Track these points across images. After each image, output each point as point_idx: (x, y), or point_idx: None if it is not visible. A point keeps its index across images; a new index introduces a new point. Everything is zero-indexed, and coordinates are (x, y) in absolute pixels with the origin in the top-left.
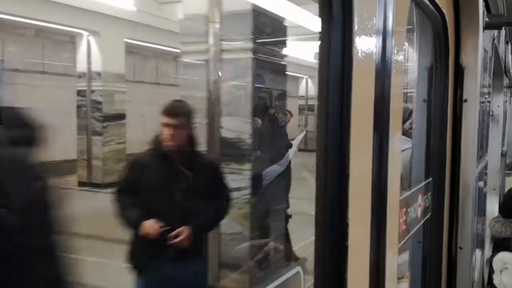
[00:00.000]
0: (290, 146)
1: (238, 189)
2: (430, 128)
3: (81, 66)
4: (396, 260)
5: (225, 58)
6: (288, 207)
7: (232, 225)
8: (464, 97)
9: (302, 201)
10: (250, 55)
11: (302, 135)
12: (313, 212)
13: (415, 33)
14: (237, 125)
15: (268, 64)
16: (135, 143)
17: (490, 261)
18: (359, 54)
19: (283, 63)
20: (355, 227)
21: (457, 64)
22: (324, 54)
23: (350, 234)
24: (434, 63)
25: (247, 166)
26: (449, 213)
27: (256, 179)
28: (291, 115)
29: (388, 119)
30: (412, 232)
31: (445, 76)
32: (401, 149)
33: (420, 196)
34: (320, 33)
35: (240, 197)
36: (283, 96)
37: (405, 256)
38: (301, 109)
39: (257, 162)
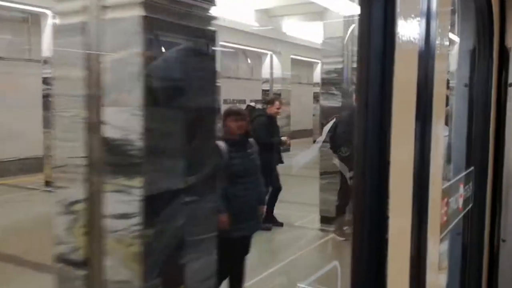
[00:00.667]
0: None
1: (124, 216)
2: (472, 114)
3: None
4: (438, 252)
5: (109, 18)
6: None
7: (117, 268)
8: (509, 81)
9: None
10: (140, 12)
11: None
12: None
13: (456, 14)
14: (122, 120)
15: (178, 28)
16: None
17: None
18: (402, 37)
19: (209, 28)
20: (395, 219)
21: (502, 46)
22: (364, 36)
23: (390, 226)
24: (477, 45)
25: (137, 181)
26: (491, 204)
27: (153, 201)
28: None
29: (431, 104)
30: (453, 224)
31: (488, 59)
32: None
33: (461, 186)
34: (359, 14)
35: (128, 228)
36: (210, 78)
37: (443, 246)
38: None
39: (157, 174)
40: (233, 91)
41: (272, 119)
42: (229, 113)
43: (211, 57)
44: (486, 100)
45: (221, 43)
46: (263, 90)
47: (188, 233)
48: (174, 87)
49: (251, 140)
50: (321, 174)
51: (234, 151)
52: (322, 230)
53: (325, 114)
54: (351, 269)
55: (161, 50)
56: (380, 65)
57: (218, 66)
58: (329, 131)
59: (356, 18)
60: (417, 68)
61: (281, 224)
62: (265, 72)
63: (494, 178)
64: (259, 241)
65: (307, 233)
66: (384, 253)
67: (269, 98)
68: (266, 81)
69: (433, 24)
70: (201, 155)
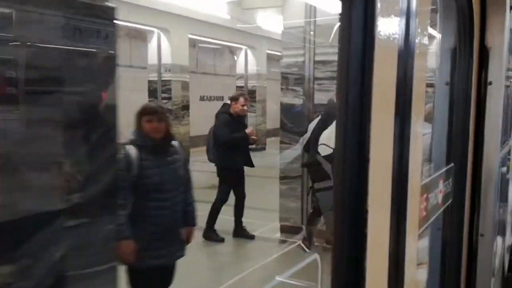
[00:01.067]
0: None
1: None
2: (453, 111)
3: None
4: (416, 247)
5: None
6: None
7: None
8: (488, 80)
9: None
10: None
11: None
12: None
13: (438, 13)
14: None
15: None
16: None
17: (511, 249)
18: (382, 35)
19: (104, 4)
20: (374, 214)
21: (482, 45)
22: (345, 34)
23: (369, 220)
24: (457, 44)
25: None
26: (470, 200)
27: (10, 228)
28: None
29: (410, 102)
30: (432, 219)
31: (469, 58)
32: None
33: (441, 182)
34: (340, 13)
35: None
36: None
37: (423, 242)
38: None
39: (17, 194)
40: (212, 88)
41: (238, 117)
42: (144, 112)
43: (108, 40)
44: (467, 98)
45: (194, 37)
46: (237, 87)
47: (73, 267)
48: (46, 78)
49: (175, 144)
50: (282, 178)
51: (149, 159)
52: (282, 241)
53: (285, 112)
54: (331, 263)
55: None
56: (360, 64)
57: (192, 61)
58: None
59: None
60: (396, 67)
61: (252, 237)
62: (240, 68)
63: (473, 175)
64: (203, 258)
65: (262, 246)
66: (363, 247)
67: (233, 94)
68: (240, 77)
69: (413, 23)
70: (92, 166)
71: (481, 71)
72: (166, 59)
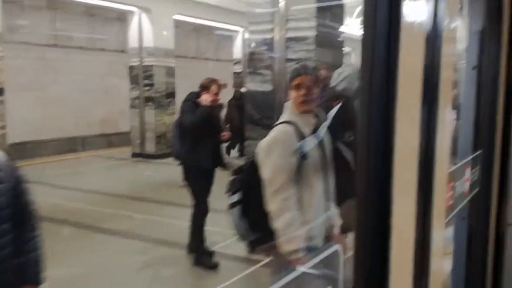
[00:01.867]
0: None
1: None
2: (480, 97)
3: None
4: (442, 237)
5: None
6: None
7: None
8: None
9: None
10: None
11: None
12: None
13: None
14: None
15: None
16: None
17: None
18: (407, 19)
19: None
20: (399, 204)
21: (511, 26)
22: (369, 18)
23: (394, 210)
24: (486, 26)
25: None
26: (498, 188)
27: None
28: None
29: (437, 89)
30: (459, 208)
31: (498, 40)
32: None
33: (468, 169)
34: None
35: None
36: None
37: (448, 232)
38: (237, 81)
39: None
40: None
41: (212, 109)
42: None
43: None
44: (495, 82)
45: (179, 18)
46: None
47: None
48: None
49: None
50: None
51: None
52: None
53: (252, 101)
54: (353, 253)
55: None
56: (385, 48)
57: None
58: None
59: None
60: (423, 52)
61: (214, 266)
62: (237, 52)
63: (502, 162)
64: None
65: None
66: (388, 235)
67: (203, 81)
68: (238, 62)
69: (441, 5)
70: None
71: (510, 54)
72: (149, 41)
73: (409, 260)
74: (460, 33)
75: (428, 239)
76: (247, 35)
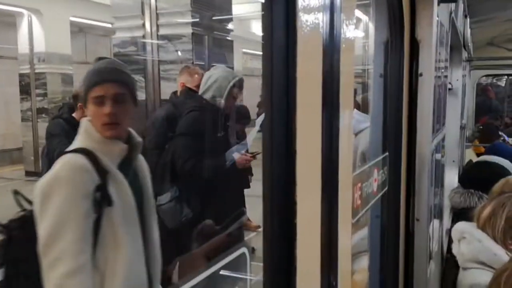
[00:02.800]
0: None
1: None
2: (387, 103)
3: None
4: (350, 235)
5: None
6: None
7: None
8: (419, 71)
9: None
10: None
11: None
12: None
13: (371, 7)
14: None
15: None
16: None
17: (449, 232)
18: (304, 31)
19: None
20: (303, 205)
21: (413, 38)
22: (267, 31)
23: (298, 211)
24: (389, 37)
25: None
26: (405, 186)
27: None
28: None
29: (338, 95)
30: (368, 207)
31: (400, 51)
32: (362, 128)
33: (376, 170)
34: (263, 8)
35: None
36: None
37: (364, 232)
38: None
39: None
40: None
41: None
42: None
43: None
44: (399, 89)
45: None
46: (20, 75)
47: None
48: None
49: None
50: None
51: None
52: None
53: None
54: (263, 255)
55: None
56: (283, 59)
57: None
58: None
59: None
60: (321, 61)
61: None
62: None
63: (408, 162)
64: None
65: None
66: (293, 236)
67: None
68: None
69: (338, 17)
70: None
71: (412, 63)
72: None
73: (316, 261)
74: (368, 43)
75: (335, 240)
76: (37, 20)
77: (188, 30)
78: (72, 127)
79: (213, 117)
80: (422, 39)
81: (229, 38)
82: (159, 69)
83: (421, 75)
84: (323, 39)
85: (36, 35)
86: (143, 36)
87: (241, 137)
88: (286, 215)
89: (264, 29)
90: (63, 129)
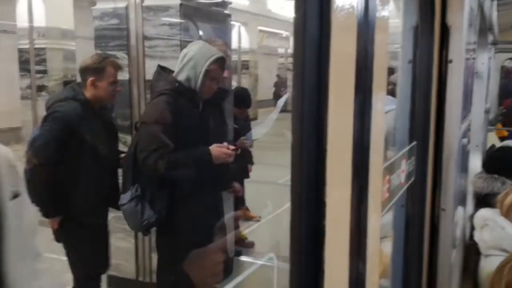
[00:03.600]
0: None
1: None
2: (415, 90)
3: None
4: (378, 233)
5: None
6: None
7: None
8: (449, 58)
9: None
10: None
11: None
12: None
13: None
14: None
15: None
16: None
17: (471, 218)
18: (339, 11)
19: None
20: (333, 205)
21: (443, 23)
22: (300, 11)
23: (328, 212)
24: (419, 22)
25: None
26: (432, 176)
27: None
28: None
29: (371, 77)
30: (395, 199)
31: (430, 36)
32: (386, 110)
33: (404, 161)
34: None
35: None
36: None
37: (389, 217)
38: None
39: None
40: None
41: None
42: None
43: None
44: (428, 76)
45: None
46: None
47: None
48: None
49: None
50: None
51: None
52: None
53: None
54: (289, 255)
55: None
56: (316, 40)
57: None
58: None
59: None
60: (356, 42)
61: None
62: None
63: (435, 152)
64: None
65: None
66: (322, 236)
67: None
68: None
69: None
70: None
71: (442, 49)
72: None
73: (346, 245)
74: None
75: (364, 235)
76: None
77: (176, 1)
78: (86, 110)
79: (187, 102)
80: (452, 24)
81: (226, 12)
82: (143, 46)
83: (451, 61)
84: (358, 20)
85: (36, 7)
86: (126, 8)
87: (244, 124)
88: (315, 216)
89: (296, 8)
90: (78, 114)
